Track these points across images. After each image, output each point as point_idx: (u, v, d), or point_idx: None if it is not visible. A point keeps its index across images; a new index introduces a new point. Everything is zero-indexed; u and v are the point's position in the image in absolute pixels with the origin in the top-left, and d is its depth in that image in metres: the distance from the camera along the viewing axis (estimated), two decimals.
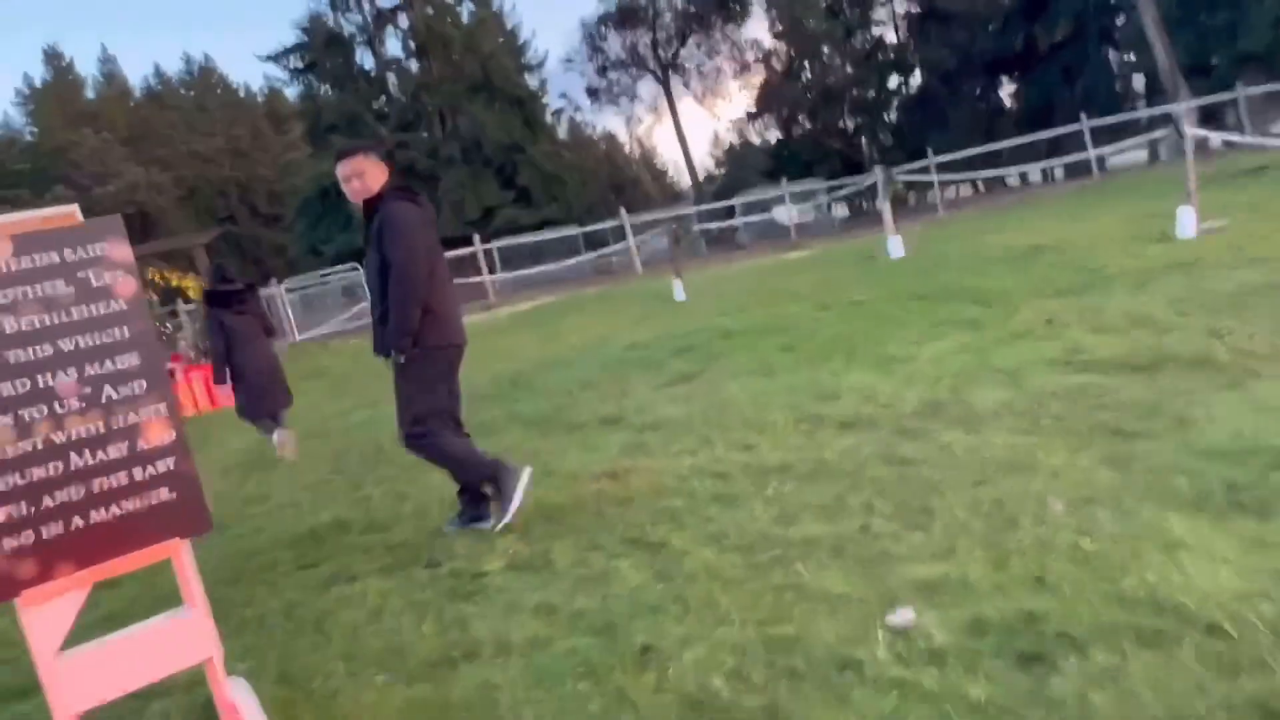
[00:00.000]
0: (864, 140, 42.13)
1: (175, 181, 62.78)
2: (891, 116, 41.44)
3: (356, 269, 20.16)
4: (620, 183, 72.95)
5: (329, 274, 21.17)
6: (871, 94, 41.21)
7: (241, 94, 75.28)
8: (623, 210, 20.31)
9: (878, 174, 14.10)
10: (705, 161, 51.04)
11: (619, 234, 26.37)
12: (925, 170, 20.42)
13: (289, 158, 61.49)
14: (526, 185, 38.13)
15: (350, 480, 5.85)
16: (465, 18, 40.03)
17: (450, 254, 23.44)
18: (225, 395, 7.12)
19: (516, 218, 36.79)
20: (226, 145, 68.72)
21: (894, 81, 41.51)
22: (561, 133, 46.54)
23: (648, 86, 47.62)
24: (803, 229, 20.74)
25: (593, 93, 47.26)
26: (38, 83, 66.09)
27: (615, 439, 5.35)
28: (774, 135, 45.09)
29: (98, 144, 58.78)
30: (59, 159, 57.77)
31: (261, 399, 6.86)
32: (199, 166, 66.90)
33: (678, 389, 6.45)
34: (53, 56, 67.25)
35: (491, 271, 20.95)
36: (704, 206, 24.98)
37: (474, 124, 37.24)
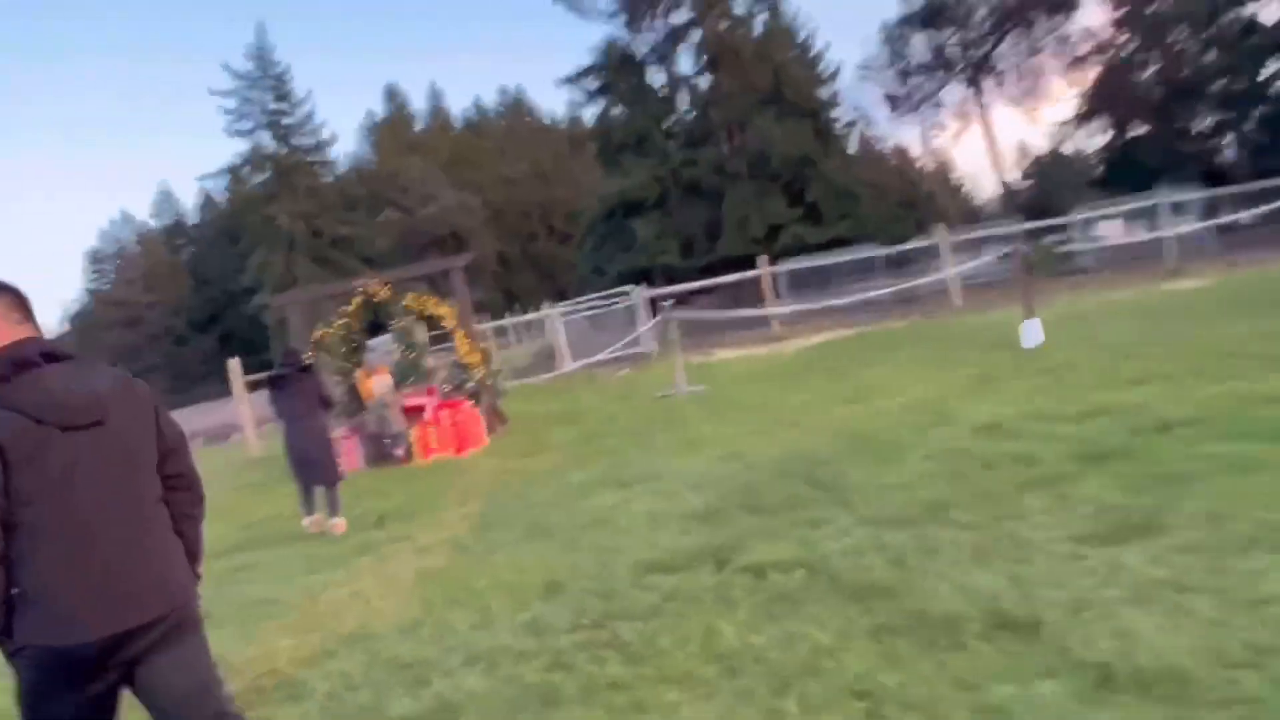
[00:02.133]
0: (1230, 142, 34.60)
1: (485, 204, 67.30)
2: (1265, 112, 33.58)
3: (632, 290, 18.65)
4: (913, 199, 67.83)
5: (604, 297, 19.83)
6: (1241, 86, 33.71)
7: (547, 121, 79.58)
8: (941, 227, 17.01)
9: None
10: (1007, 174, 44.83)
11: (922, 254, 22.96)
12: None
13: (585, 180, 63.50)
14: (816, 201, 35.37)
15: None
16: (757, 29, 38.18)
17: (733, 277, 21.47)
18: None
19: (804, 236, 34.12)
20: (531, 170, 72.83)
21: (1270, 68, 33.62)
22: (851, 147, 43.12)
23: (954, 91, 42.90)
24: (1185, 250, 16.14)
25: (891, 101, 43.36)
26: (378, 118, 74.20)
27: (1047, 691, 2.64)
28: (1101, 140, 38.72)
29: (422, 171, 64.31)
30: (391, 184, 63.93)
31: (298, 472, 7.49)
32: (506, 190, 71.41)
33: (1125, 552, 3.56)
34: (392, 93, 75.21)
35: (777, 296, 18.57)
36: (1031, 224, 20.79)
37: (763, 137, 35.15)
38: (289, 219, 59.72)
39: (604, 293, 19.16)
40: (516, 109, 79.16)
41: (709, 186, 35.88)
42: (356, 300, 11.00)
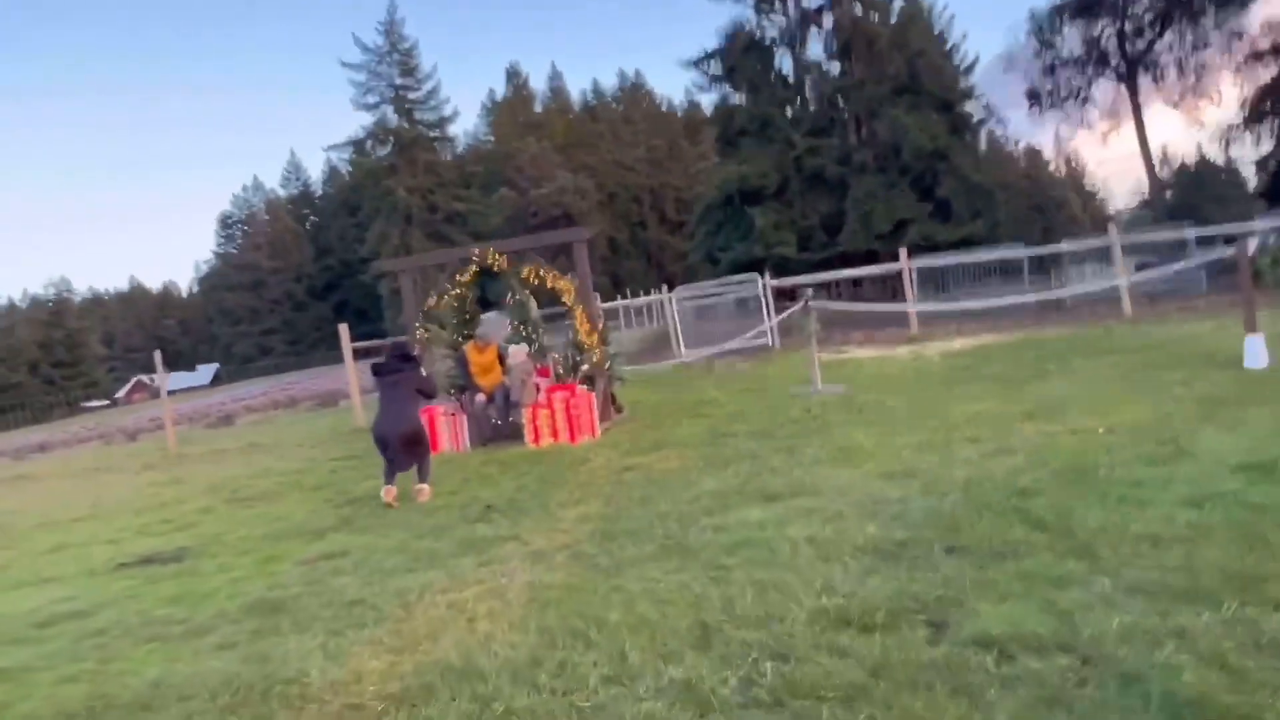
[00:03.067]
0: None
1: (598, 187, 66.93)
2: None
3: (755, 279, 17.48)
4: (1042, 203, 63.93)
5: (725, 284, 18.70)
6: None
7: (664, 107, 78.65)
8: (1111, 228, 15.19)
9: None
10: (1154, 178, 41.21)
11: (1069, 258, 20.94)
12: None
13: (699, 167, 62.31)
14: (947, 198, 33.28)
15: None
16: (893, 16, 36.12)
17: (861, 271, 19.93)
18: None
19: (933, 233, 32.15)
20: (645, 155, 72.06)
21: None
22: (980, 145, 40.48)
23: (1105, 87, 39.73)
24: None
25: (1033, 96, 40.49)
26: (498, 97, 74.79)
27: None
28: (1267, 148, 35.17)
29: (538, 151, 64.34)
30: (507, 164, 64.25)
31: (383, 451, 7.54)
32: (619, 174, 70.87)
33: None
34: (513, 74, 75.66)
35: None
36: (1206, 230, 18.53)
37: (894, 129, 33.24)
38: (407, 193, 60.76)
39: (722, 280, 18.01)
40: (634, 93, 78.44)
41: (832, 177, 34.26)
42: (471, 269, 10.24)
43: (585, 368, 10.12)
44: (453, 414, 9.94)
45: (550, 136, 68.84)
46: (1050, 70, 39.79)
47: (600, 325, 10.46)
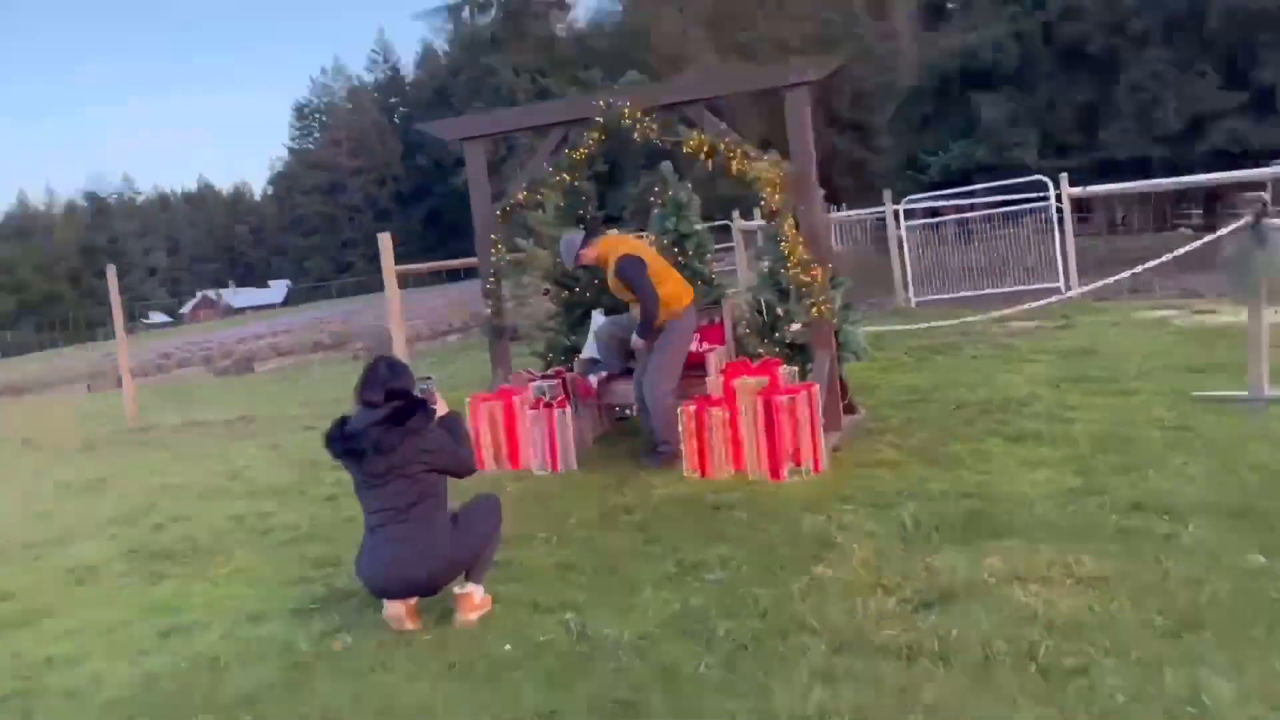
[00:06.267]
0: None
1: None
2: None
3: (1045, 186, 13.13)
4: None
5: (979, 194, 14.34)
6: None
7: None
8: None
9: None
10: None
11: None
12: None
13: (884, 48, 56.53)
14: (1271, 84, 27.31)
15: None
16: None
17: (1226, 175, 13.35)
18: None
19: (1246, 135, 26.47)
20: (813, 32, 66.41)
21: None
22: None
23: None
24: None
25: None
26: None
27: None
28: None
29: (677, 27, 60.08)
30: (638, 41, 60.26)
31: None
32: (781, 58, 65.70)
33: None
34: None
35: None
36: None
37: None
38: (513, 74, 57.76)
39: (986, 186, 13.70)
40: None
41: (1098, 53, 28.66)
42: (592, 135, 6.60)
43: (795, 328, 6.39)
44: (550, 403, 6.46)
45: (693, 10, 64.26)
46: None
47: (829, 250, 6.65)
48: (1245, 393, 5.98)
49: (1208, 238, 7.16)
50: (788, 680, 3.21)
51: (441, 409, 4.15)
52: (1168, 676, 2.96)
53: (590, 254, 6.32)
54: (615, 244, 6.33)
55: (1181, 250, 7.92)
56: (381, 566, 3.93)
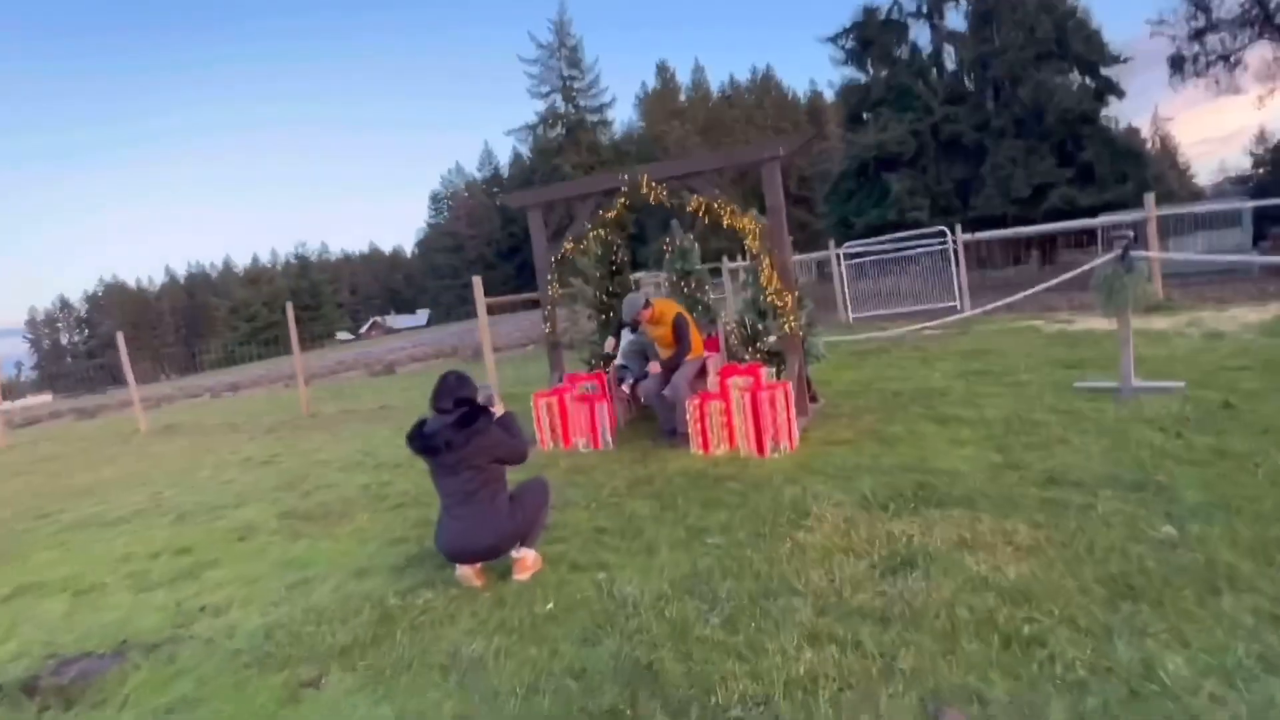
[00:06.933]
0: None
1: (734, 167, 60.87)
2: None
3: (943, 233, 12.27)
4: (1140, 176, 53.27)
5: (898, 241, 13.40)
6: None
7: (790, 96, 71.22)
8: None
9: None
10: (1231, 158, 31.57)
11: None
12: None
13: (821, 147, 55.31)
14: (1091, 161, 26.01)
15: None
16: None
17: (1111, 218, 11.99)
18: None
19: (1074, 197, 25.23)
20: (773, 136, 65.10)
21: None
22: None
23: (1259, 52, 30.39)
24: None
25: (1176, 62, 31.61)
26: (649, 88, 69.20)
27: None
28: None
29: (682, 134, 59.11)
30: (656, 145, 59.33)
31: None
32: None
33: None
34: (662, 69, 69.62)
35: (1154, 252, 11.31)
36: None
37: (1038, 92, 26.10)
38: (572, 168, 57.03)
39: (899, 235, 12.82)
40: (765, 85, 71.16)
41: (970, 143, 27.51)
42: (619, 201, 5.90)
43: (772, 339, 5.66)
44: (591, 399, 5.76)
45: (692, 121, 63.23)
46: (1198, 35, 30.80)
47: (796, 280, 5.90)
48: (1117, 384, 5.17)
49: (1083, 268, 6.28)
50: (779, 641, 2.50)
51: (499, 410, 3.47)
52: (1119, 648, 2.21)
53: (647, 313, 5.59)
54: (667, 307, 5.63)
55: (1055, 280, 7.07)
56: (454, 539, 3.27)
